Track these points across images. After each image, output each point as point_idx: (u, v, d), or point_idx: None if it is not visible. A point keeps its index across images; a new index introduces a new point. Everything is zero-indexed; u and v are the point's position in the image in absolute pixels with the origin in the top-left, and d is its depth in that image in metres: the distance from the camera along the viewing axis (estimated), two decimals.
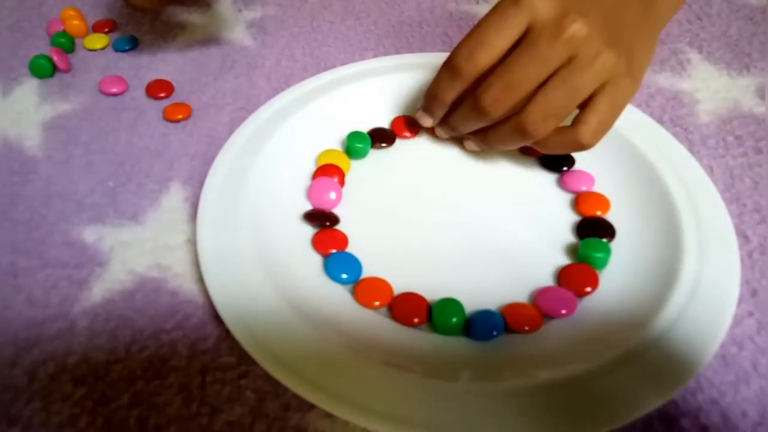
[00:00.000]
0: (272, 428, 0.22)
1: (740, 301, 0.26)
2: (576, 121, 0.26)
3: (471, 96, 0.27)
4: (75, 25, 0.40)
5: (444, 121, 0.31)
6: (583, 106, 0.26)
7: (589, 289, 0.26)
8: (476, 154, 0.33)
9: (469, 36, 0.26)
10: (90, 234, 0.29)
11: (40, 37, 0.40)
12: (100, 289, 0.26)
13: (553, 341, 0.24)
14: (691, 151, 0.32)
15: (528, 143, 0.27)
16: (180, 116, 0.34)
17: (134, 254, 0.28)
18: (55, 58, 0.37)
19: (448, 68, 0.27)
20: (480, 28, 0.25)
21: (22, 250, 0.28)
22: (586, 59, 0.24)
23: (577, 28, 0.24)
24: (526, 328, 0.25)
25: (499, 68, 0.25)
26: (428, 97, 0.29)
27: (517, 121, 0.26)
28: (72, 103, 0.35)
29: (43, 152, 0.32)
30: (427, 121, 0.31)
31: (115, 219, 0.29)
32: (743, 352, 0.25)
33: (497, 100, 0.26)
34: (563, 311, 0.25)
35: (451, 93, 0.28)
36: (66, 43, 0.39)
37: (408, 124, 0.34)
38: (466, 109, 0.28)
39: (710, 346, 0.23)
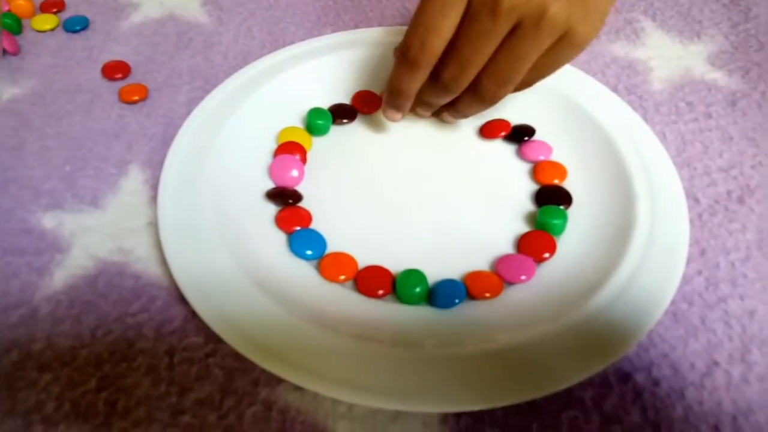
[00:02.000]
0: (242, 403, 0.23)
1: (690, 260, 0.27)
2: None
3: (432, 76, 0.27)
4: (21, 5, 0.38)
5: (416, 104, 0.30)
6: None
7: (547, 255, 0.27)
8: (437, 127, 0.33)
9: (415, 24, 0.25)
10: (49, 220, 0.28)
11: None
12: (62, 276, 0.26)
13: (513, 306, 0.25)
14: (645, 118, 0.33)
15: (493, 105, 0.28)
16: (136, 97, 0.33)
17: (95, 239, 0.27)
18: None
19: (405, 61, 0.26)
20: (424, 13, 0.25)
21: None
22: (529, 25, 0.24)
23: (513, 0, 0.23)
24: (487, 294, 0.25)
25: (451, 48, 0.25)
26: (393, 92, 0.29)
27: (475, 92, 0.27)
28: (22, 87, 0.34)
29: None
30: (396, 116, 0.30)
31: (74, 204, 0.29)
32: (692, 308, 0.26)
33: (455, 78, 0.26)
34: (522, 277, 0.26)
35: (413, 85, 0.27)
36: (12, 24, 0.37)
37: (368, 100, 0.34)
38: (430, 89, 0.28)
39: (661, 304, 0.24)
